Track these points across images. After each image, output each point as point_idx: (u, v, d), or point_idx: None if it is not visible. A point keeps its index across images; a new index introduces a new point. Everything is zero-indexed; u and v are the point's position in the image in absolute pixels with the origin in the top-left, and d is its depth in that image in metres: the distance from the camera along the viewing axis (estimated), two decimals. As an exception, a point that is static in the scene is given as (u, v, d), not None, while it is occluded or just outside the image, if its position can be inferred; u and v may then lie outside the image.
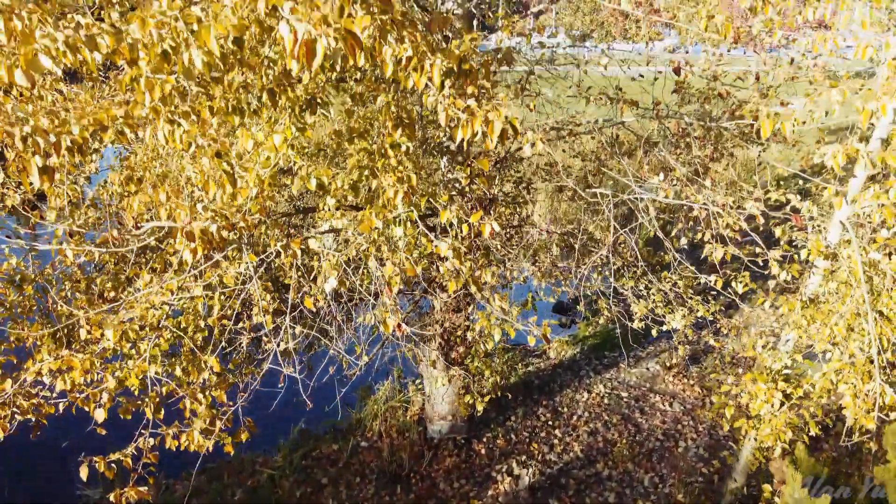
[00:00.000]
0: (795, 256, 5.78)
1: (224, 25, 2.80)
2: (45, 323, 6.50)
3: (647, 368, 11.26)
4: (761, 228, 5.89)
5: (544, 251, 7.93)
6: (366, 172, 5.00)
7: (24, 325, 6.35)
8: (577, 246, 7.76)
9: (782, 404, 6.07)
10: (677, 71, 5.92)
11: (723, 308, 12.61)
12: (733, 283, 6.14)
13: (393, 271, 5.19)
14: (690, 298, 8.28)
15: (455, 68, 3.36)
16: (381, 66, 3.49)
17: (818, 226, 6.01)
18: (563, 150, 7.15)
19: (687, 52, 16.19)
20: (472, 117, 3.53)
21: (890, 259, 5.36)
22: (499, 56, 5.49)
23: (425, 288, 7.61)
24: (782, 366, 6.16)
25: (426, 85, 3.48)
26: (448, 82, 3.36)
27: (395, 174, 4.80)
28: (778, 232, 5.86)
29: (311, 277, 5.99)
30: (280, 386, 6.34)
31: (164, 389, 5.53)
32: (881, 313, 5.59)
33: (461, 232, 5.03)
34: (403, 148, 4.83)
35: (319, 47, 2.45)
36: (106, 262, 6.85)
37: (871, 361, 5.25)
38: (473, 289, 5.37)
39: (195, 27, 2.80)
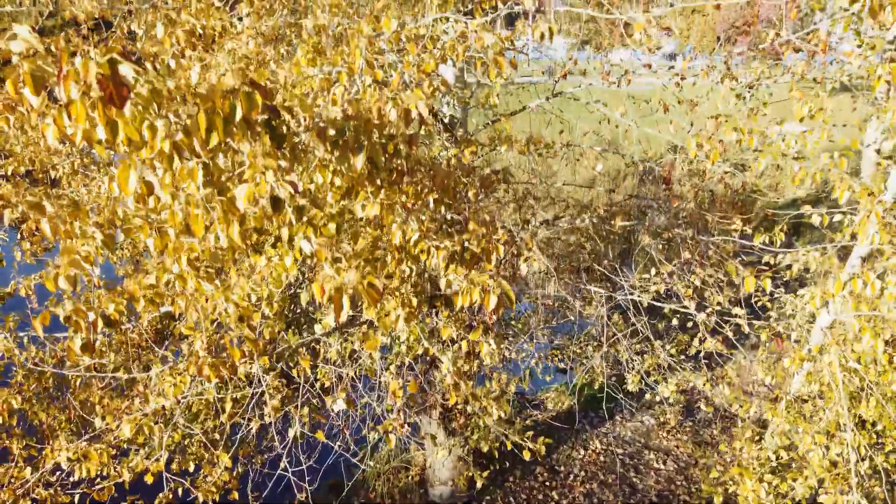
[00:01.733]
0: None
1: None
2: (62, 407, 6.80)
3: (642, 422, 11.53)
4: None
5: (541, 329, 8.22)
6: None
7: (40, 410, 6.65)
8: (573, 318, 8.07)
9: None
10: (668, 181, 6.22)
11: (717, 355, 12.91)
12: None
13: (397, 385, 5.49)
14: (682, 368, 8.59)
15: (458, 250, 3.65)
16: (389, 237, 3.81)
17: (800, 328, 6.29)
18: (558, 242, 7.46)
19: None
20: (471, 286, 3.83)
21: (868, 369, 5.64)
22: (498, 175, 5.80)
23: (427, 366, 7.90)
24: (767, 458, 6.44)
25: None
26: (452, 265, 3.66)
27: (398, 298, 5.09)
28: (763, 336, 6.13)
29: (320, 385, 6.26)
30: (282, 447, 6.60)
31: (179, 490, 5.81)
32: (861, 420, 5.88)
33: (461, 349, 5.33)
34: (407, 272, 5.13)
35: (346, 299, 2.75)
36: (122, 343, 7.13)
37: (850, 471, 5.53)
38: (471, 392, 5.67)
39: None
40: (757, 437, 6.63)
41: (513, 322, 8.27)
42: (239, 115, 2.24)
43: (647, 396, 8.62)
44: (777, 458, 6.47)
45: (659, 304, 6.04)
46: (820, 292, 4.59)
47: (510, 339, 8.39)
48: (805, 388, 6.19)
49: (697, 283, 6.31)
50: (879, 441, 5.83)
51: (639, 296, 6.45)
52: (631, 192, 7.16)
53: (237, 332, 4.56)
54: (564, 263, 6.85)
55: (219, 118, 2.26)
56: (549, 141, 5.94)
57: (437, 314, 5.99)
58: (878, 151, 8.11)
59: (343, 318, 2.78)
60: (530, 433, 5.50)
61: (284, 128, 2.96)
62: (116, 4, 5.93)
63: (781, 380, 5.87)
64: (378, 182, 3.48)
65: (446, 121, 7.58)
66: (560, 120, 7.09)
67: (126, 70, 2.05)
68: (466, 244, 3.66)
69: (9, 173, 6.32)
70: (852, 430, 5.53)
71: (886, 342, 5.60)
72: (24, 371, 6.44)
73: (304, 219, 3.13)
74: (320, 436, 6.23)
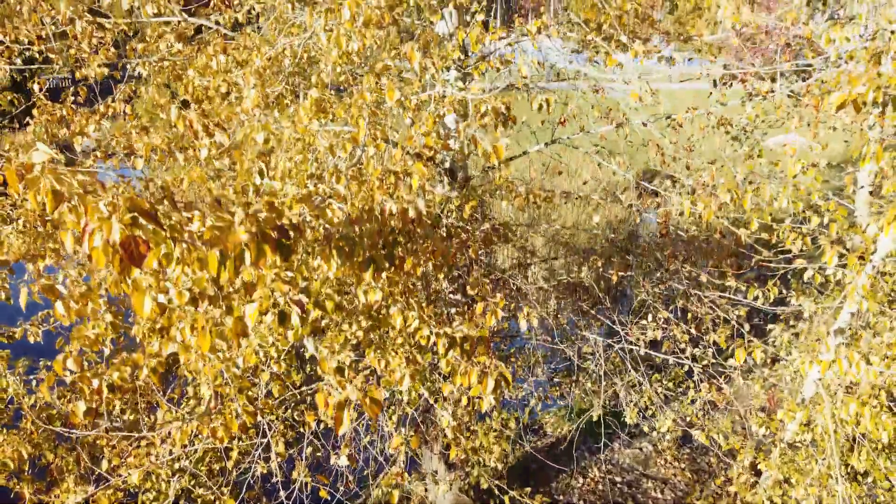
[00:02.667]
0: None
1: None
2: (70, 448, 6.95)
3: (640, 449, 11.66)
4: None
5: (540, 365, 8.36)
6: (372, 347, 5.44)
7: (48, 450, 6.79)
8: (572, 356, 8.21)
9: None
10: (664, 233, 6.36)
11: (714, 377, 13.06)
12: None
13: (401, 440, 5.63)
14: (679, 400, 8.74)
15: (458, 338, 3.79)
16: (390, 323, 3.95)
17: (794, 379, 6.41)
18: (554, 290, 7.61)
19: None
20: (470, 367, 3.96)
21: (859, 424, 5.77)
22: (499, 230, 5.94)
23: (428, 403, 8.04)
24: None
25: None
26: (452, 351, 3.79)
27: (401, 355, 5.23)
28: (757, 386, 6.24)
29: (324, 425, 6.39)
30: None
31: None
32: (852, 470, 6.01)
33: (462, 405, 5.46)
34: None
35: (346, 416, 2.89)
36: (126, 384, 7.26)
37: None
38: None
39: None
40: (752, 482, 6.77)
41: (512, 359, 8.41)
42: (248, 260, 2.38)
43: (645, 429, 8.73)
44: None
45: (654, 354, 6.19)
46: (808, 358, 4.72)
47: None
48: (798, 436, 6.32)
49: (692, 331, 6.45)
50: (871, 492, 5.97)
51: (636, 340, 6.59)
52: (629, 237, 7.29)
53: (240, 401, 4.71)
54: (564, 302, 6.99)
55: (230, 262, 2.40)
56: (548, 194, 6.07)
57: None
58: (872, 193, 8.24)
59: (343, 430, 2.92)
60: (528, 489, 5.63)
61: (293, 232, 3.10)
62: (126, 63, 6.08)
63: (775, 430, 6.00)
64: (380, 273, 3.61)
65: (447, 165, 7.72)
66: (559, 163, 7.23)
67: (145, 231, 2.18)
68: (465, 330, 3.78)
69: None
70: (844, 482, 5.66)
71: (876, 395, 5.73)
72: (33, 416, 6.58)
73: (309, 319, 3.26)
74: (323, 479, 6.39)
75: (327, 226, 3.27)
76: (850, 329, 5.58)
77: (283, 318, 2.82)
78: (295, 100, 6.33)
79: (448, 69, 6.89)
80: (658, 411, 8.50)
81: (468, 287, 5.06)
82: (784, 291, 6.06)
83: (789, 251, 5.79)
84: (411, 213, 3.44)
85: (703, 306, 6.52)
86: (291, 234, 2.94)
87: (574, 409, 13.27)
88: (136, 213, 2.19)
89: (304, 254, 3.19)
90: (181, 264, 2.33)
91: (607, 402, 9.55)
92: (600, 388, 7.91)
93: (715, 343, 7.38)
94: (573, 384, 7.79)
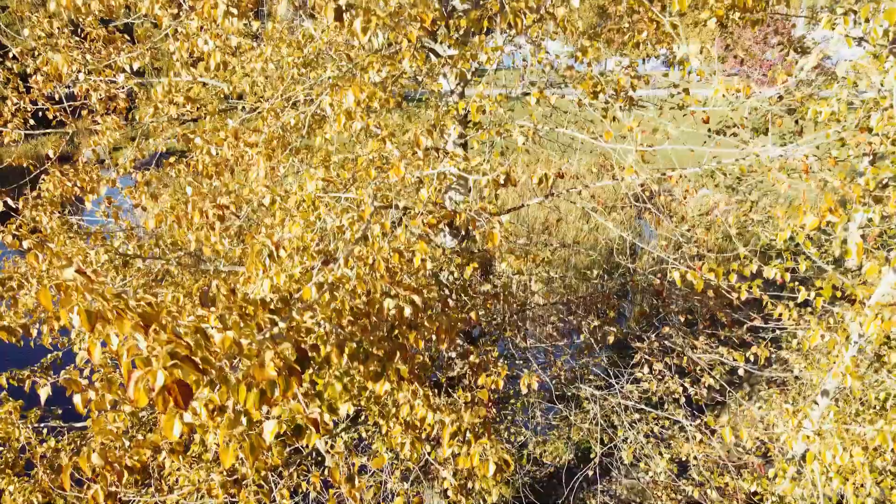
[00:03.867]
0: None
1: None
2: (80, 497, 7.11)
3: (638, 479, 11.83)
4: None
5: (539, 405, 8.55)
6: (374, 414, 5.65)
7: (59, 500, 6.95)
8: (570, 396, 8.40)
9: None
10: (660, 293, 6.57)
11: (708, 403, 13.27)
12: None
13: (402, 501, 5.81)
14: (674, 439, 8.92)
15: (462, 427, 3.98)
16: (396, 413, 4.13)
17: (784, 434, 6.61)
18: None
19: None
20: (470, 450, 4.16)
21: (846, 484, 5.97)
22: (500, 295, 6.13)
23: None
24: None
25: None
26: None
27: (401, 420, 5.42)
28: (750, 447, 6.42)
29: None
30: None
31: None
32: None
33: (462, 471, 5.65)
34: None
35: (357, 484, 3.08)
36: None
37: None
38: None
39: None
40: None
41: (512, 401, 8.59)
42: (277, 392, 2.57)
43: (642, 465, 8.93)
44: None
45: (648, 409, 6.38)
46: (794, 435, 4.92)
47: (509, 416, 8.71)
48: (790, 491, 6.51)
49: (686, 384, 6.65)
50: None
51: (629, 393, 6.79)
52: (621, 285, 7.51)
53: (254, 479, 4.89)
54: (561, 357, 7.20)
55: (255, 394, 2.59)
56: (546, 256, 6.27)
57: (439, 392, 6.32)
58: (864, 237, 8.45)
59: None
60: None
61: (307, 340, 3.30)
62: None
63: (765, 488, 6.19)
64: (387, 368, 3.80)
65: (449, 209, 7.91)
66: (557, 215, 7.45)
67: (185, 373, 2.37)
68: (467, 419, 3.97)
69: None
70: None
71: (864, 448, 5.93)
72: (43, 468, 6.75)
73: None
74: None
75: (339, 328, 3.47)
76: (836, 392, 5.78)
77: (299, 431, 3.01)
78: (304, 158, 6.53)
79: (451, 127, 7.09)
80: (655, 448, 8.71)
81: (471, 355, 5.25)
82: (773, 352, 6.27)
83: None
84: (407, 313, 3.64)
85: (696, 365, 6.73)
86: (311, 352, 3.13)
87: (572, 440, 13.47)
88: (177, 360, 2.38)
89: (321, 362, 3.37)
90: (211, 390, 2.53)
91: (605, 439, 9.74)
92: (597, 429, 8.10)
93: (709, 386, 7.59)
94: (570, 428, 7.97)
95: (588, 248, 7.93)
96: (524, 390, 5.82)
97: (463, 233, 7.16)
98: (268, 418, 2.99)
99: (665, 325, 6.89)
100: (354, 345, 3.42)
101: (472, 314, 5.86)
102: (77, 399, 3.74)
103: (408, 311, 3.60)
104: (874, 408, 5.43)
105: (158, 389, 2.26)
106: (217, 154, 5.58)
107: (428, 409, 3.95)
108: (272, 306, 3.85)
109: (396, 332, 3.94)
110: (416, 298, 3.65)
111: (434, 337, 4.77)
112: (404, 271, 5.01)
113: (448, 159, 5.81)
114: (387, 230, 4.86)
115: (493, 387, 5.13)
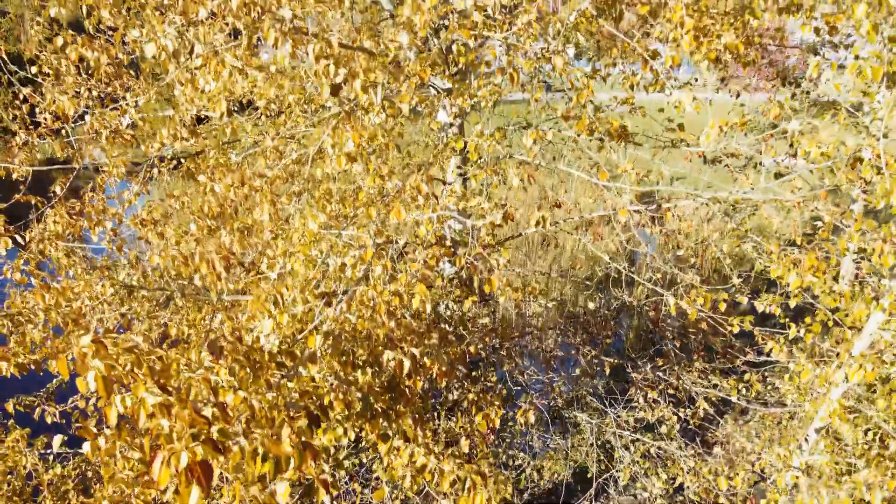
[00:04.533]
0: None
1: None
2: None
3: (635, 496, 11.96)
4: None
5: (537, 428, 8.68)
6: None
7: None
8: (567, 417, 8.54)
9: None
10: (655, 321, 6.71)
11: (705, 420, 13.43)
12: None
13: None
14: (671, 462, 9.06)
15: (460, 478, 4.11)
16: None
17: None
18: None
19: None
20: (471, 494, 4.29)
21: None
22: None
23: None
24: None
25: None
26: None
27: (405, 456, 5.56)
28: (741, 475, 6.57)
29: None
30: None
31: None
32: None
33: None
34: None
35: None
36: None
37: None
38: None
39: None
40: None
41: (510, 423, 8.72)
42: (292, 465, 2.71)
43: (638, 485, 9.07)
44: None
45: (643, 440, 6.53)
46: (784, 475, 5.06)
47: (507, 439, 8.84)
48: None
49: (680, 413, 6.79)
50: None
51: (625, 424, 6.93)
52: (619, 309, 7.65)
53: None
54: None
55: (270, 464, 2.73)
56: (542, 289, 6.41)
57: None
58: (857, 276, 8.61)
59: None
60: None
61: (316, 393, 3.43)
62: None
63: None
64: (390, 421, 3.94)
65: (448, 242, 8.06)
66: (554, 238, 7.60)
67: (206, 451, 2.51)
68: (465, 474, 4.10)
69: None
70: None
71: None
72: (51, 495, 6.88)
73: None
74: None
75: (344, 382, 3.61)
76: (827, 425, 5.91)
77: (310, 491, 3.14)
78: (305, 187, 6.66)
79: (449, 159, 7.24)
80: (652, 469, 8.85)
81: (470, 392, 5.37)
82: (767, 380, 6.40)
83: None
84: (407, 366, 3.78)
85: (688, 392, 6.88)
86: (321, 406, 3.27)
87: (569, 462, 13.61)
88: (201, 445, 2.51)
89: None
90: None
91: (601, 457, 9.86)
92: (593, 451, 8.23)
93: (704, 409, 7.74)
94: (568, 451, 8.12)
95: (585, 266, 8.06)
96: (521, 421, 5.93)
97: (461, 250, 7.29)
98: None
99: (660, 351, 7.03)
100: (360, 401, 3.55)
101: (472, 348, 5.99)
102: (86, 447, 3.87)
103: (408, 365, 3.73)
104: (864, 442, 5.57)
105: (182, 470, 2.40)
106: (220, 191, 5.72)
107: (428, 457, 4.09)
108: (278, 358, 3.99)
109: (398, 381, 4.08)
110: (416, 352, 3.78)
111: (434, 374, 4.90)
112: (404, 307, 5.14)
113: (446, 195, 5.95)
114: (388, 269, 4.99)
115: (490, 424, 5.26)
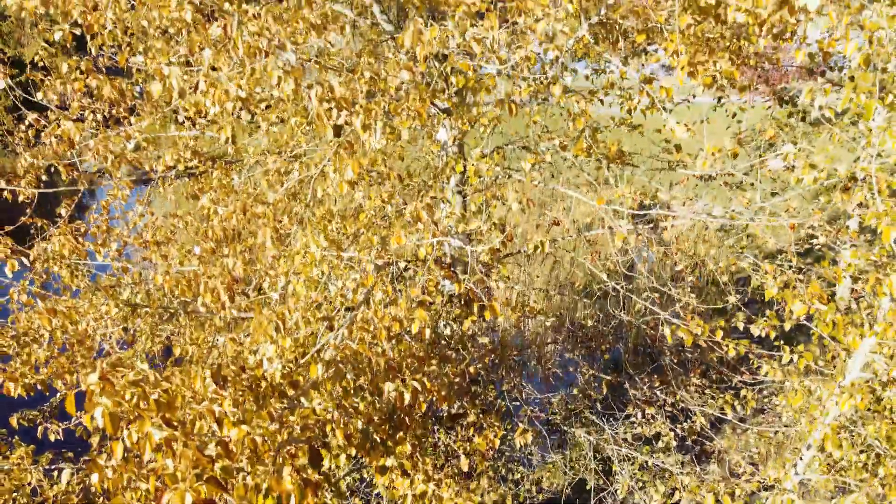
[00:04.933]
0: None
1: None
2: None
3: (633, 505, 12.05)
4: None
5: (535, 442, 8.76)
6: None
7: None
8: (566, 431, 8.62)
9: None
10: (653, 341, 6.80)
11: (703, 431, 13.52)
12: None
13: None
14: (669, 475, 9.15)
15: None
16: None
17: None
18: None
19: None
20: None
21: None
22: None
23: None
24: None
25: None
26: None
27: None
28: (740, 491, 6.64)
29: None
30: None
31: None
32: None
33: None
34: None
35: None
36: None
37: None
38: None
39: None
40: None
41: (509, 437, 8.80)
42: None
43: (637, 496, 9.14)
44: None
45: (638, 456, 6.61)
46: (780, 491, 5.14)
47: (506, 452, 8.92)
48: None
49: (678, 430, 6.88)
50: None
51: (624, 434, 7.01)
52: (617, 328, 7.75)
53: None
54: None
55: (271, 500, 2.82)
56: (541, 308, 6.50)
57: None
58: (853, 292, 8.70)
59: None
60: None
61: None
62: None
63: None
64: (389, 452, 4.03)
65: (448, 261, 8.15)
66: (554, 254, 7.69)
67: (209, 489, 2.59)
68: None
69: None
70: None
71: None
72: (55, 511, 6.95)
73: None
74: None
75: (346, 413, 3.70)
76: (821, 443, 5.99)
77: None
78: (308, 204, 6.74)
79: (448, 179, 7.32)
80: (651, 482, 8.93)
81: (470, 414, 5.45)
82: (764, 397, 6.49)
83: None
84: (408, 399, 3.87)
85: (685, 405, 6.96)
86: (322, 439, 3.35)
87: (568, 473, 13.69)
88: (203, 480, 2.60)
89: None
90: None
91: (600, 469, 9.94)
92: (591, 462, 8.31)
93: (701, 426, 7.83)
94: (566, 465, 8.20)
95: (582, 282, 8.15)
96: (519, 444, 6.01)
97: (460, 269, 7.38)
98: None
99: (659, 367, 7.11)
100: (360, 433, 3.64)
101: (472, 368, 6.07)
102: (94, 478, 3.96)
103: (408, 398, 3.82)
104: (859, 462, 5.66)
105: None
106: (223, 213, 5.81)
107: (427, 484, 4.17)
108: (281, 387, 4.08)
109: (398, 410, 4.17)
110: (417, 384, 3.87)
111: (434, 397, 4.98)
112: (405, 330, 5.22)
113: (446, 215, 6.03)
114: (389, 294, 5.08)
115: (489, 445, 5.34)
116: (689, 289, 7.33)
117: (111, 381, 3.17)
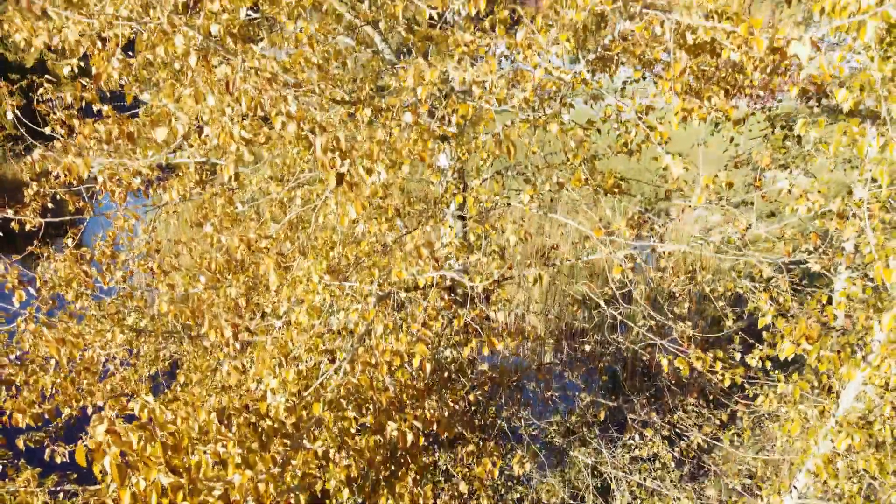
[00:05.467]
0: None
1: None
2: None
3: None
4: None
5: (533, 464, 8.85)
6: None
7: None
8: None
9: None
10: (649, 367, 6.88)
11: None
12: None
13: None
14: (667, 490, 9.23)
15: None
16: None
17: None
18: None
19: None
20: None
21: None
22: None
23: None
24: None
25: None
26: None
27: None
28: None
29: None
30: None
31: None
32: None
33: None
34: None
35: None
36: None
37: None
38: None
39: None
40: None
41: (509, 456, 8.90)
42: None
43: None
44: None
45: (638, 481, 6.71)
46: None
47: (505, 471, 9.01)
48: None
49: (675, 452, 6.97)
50: None
51: (622, 467, 7.11)
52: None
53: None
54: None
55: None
56: (540, 335, 6.60)
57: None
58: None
59: None
60: None
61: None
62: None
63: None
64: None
65: (447, 284, 8.24)
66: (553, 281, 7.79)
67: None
68: None
69: None
70: None
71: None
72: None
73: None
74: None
75: (348, 452, 3.80)
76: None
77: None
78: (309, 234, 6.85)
79: (448, 205, 7.42)
80: (648, 499, 9.02)
81: (469, 444, 5.54)
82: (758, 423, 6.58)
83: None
84: (410, 438, 3.96)
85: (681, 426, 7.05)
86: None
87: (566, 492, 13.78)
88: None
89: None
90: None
91: (598, 488, 10.03)
92: (589, 478, 8.39)
93: (698, 445, 7.92)
94: (566, 483, 8.29)
95: (580, 307, 8.25)
96: (517, 471, 6.10)
97: (461, 299, 7.48)
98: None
99: (657, 389, 7.21)
100: (362, 473, 3.73)
101: (471, 396, 6.16)
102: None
103: (410, 438, 3.92)
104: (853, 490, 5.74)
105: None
106: (226, 243, 5.92)
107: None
108: (285, 428, 4.18)
109: (400, 448, 4.26)
110: (418, 424, 3.97)
111: (434, 426, 5.07)
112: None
113: (447, 243, 6.13)
114: (390, 328, 5.17)
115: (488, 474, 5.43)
116: (685, 313, 7.43)
117: (118, 432, 3.27)
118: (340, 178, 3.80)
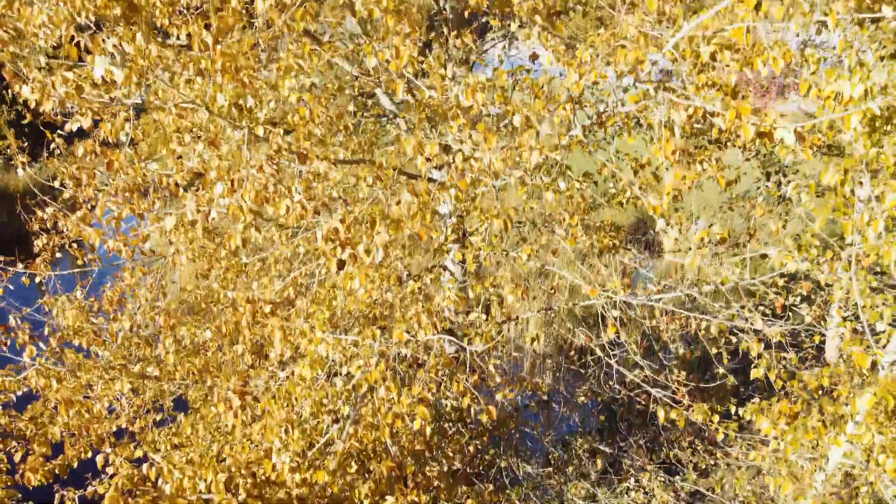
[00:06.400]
0: None
1: None
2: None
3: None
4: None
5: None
6: None
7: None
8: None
9: None
10: (645, 414, 7.04)
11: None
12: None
13: None
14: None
15: None
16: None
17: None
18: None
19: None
20: None
21: None
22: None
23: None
24: None
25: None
26: None
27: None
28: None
29: None
30: None
31: None
32: None
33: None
34: None
35: None
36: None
37: None
38: None
39: None
40: None
41: (508, 491, 9.03)
42: None
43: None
44: None
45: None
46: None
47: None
48: None
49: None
50: None
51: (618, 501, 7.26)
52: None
53: None
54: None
55: None
56: (537, 383, 6.75)
57: None
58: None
59: None
60: None
61: None
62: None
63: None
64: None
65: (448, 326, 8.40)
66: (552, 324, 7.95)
67: None
68: None
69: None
70: None
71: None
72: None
73: None
74: None
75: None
76: None
77: None
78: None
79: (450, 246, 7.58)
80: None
81: (468, 499, 5.69)
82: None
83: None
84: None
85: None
86: None
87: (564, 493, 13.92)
88: None
89: None
90: None
91: None
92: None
93: (694, 482, 8.07)
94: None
95: (576, 351, 8.44)
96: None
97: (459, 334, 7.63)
98: None
99: (656, 428, 7.36)
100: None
101: (471, 447, 6.31)
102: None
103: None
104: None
105: None
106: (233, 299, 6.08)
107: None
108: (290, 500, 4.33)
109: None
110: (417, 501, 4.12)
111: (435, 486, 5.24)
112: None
113: (447, 296, 6.28)
114: (392, 391, 5.32)
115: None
116: (679, 359, 7.59)
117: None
118: (341, 265, 3.97)
